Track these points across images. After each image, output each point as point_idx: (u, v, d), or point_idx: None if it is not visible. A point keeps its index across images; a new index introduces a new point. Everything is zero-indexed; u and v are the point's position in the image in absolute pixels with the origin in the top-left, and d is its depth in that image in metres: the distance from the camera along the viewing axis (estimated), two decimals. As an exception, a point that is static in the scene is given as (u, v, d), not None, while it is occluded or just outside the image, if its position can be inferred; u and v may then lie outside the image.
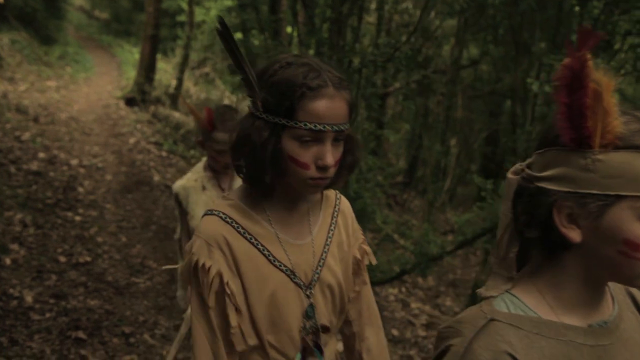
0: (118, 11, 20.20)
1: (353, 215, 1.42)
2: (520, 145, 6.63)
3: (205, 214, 1.23)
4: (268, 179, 1.17)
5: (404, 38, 6.50)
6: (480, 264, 8.12)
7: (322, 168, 1.14)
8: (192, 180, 2.39)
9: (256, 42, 9.32)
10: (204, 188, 2.37)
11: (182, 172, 7.69)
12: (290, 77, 1.12)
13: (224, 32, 1.12)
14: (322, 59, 4.59)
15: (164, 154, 8.20)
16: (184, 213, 2.39)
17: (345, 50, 4.88)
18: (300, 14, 6.50)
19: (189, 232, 2.40)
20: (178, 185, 2.41)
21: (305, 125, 1.10)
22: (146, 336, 3.71)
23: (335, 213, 1.36)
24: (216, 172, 2.39)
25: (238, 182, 2.27)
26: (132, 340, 3.61)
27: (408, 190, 13.92)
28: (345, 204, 1.41)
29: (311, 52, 6.19)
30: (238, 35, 12.86)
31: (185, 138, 9.57)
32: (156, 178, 6.96)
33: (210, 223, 1.21)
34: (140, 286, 4.34)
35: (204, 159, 2.47)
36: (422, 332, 6.05)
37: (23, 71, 10.63)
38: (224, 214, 1.21)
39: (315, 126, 1.11)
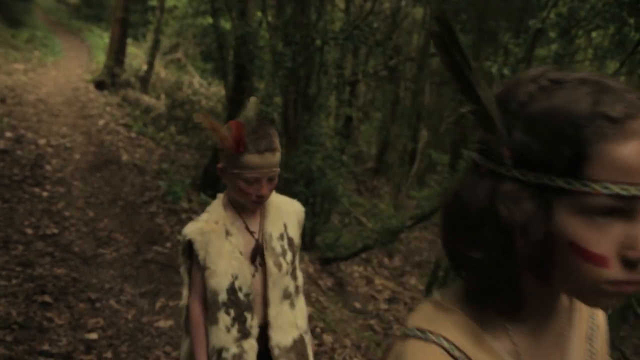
0: (88, -4, 20.00)
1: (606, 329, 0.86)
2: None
3: (414, 336, 0.70)
4: (528, 285, 0.70)
5: (375, 23, 6.70)
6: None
7: (634, 264, 0.63)
8: (212, 223, 1.77)
9: (227, 26, 9.40)
10: (227, 233, 1.76)
11: (151, 153, 7.78)
12: (568, 104, 0.63)
13: (442, 33, 0.66)
14: (288, 39, 4.73)
15: (133, 135, 8.26)
16: (198, 268, 1.76)
17: (308, 29, 5.03)
18: (267, -4, 6.64)
19: (202, 296, 1.77)
20: (193, 229, 1.76)
21: (608, 188, 0.61)
22: (112, 302, 3.83)
23: (592, 332, 0.82)
24: (242, 210, 1.80)
25: (271, 222, 1.82)
26: (97, 305, 3.73)
27: (378, 176, 14.18)
28: (601, 318, 0.85)
29: (278, 34, 6.34)
30: (208, 20, 12.91)
31: (155, 121, 9.63)
32: (125, 157, 7.03)
33: (427, 358, 0.68)
34: (107, 257, 4.45)
35: (220, 195, 1.86)
36: (384, 306, 6.27)
37: (-11, 53, 10.55)
38: (447, 340, 0.69)
39: (626, 190, 0.61)
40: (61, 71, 11.85)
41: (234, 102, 6.66)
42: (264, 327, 1.80)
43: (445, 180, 5.38)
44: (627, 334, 9.68)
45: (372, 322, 5.34)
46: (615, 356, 8.18)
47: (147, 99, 10.52)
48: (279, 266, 1.78)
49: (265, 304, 1.79)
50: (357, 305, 5.69)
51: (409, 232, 10.93)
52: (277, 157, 1.71)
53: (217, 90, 12.01)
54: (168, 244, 4.90)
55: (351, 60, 10.60)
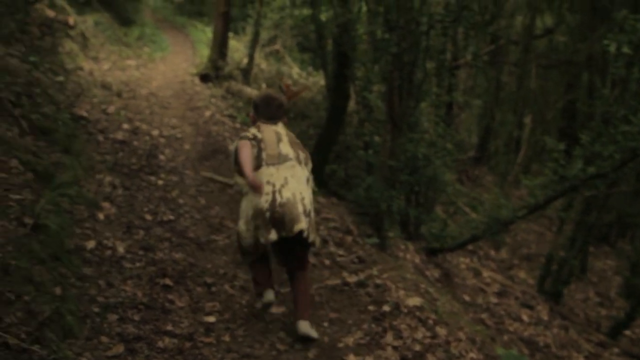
0: (191, -7, 20.80)
1: None
2: (598, 110, 6.43)
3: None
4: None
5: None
6: (554, 239, 7.96)
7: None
8: None
9: (324, 17, 9.40)
10: None
11: (255, 143, 7.94)
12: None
13: None
14: (391, 24, 4.62)
15: (237, 125, 8.48)
16: None
17: (413, 12, 4.90)
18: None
19: None
20: None
21: None
22: (227, 287, 3.94)
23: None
24: None
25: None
26: (214, 289, 3.85)
27: (480, 166, 13.73)
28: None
29: (379, 20, 6.23)
30: (304, 11, 13.00)
31: (257, 112, 9.82)
32: (231, 147, 7.21)
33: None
34: (220, 243, 4.59)
35: None
36: (494, 299, 6.06)
37: (106, 51, 11.20)
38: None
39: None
40: (169, 66, 12.40)
41: (336, 91, 6.64)
42: None
43: (560, 168, 5.07)
44: None
45: (483, 315, 5.16)
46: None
47: (249, 91, 10.75)
48: None
49: None
50: (466, 297, 5.53)
51: (515, 224, 10.47)
52: None
53: (316, 80, 12.08)
54: (277, 232, 4.97)
55: (450, 45, 10.26)
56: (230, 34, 13.24)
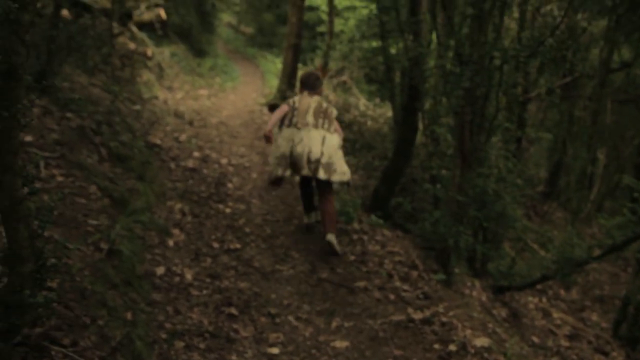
0: (262, 25, 21.43)
1: None
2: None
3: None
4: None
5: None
6: (631, 281, 7.54)
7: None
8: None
9: (393, 50, 9.44)
10: None
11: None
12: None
13: None
14: (462, 58, 4.58)
15: (304, 155, 8.57)
16: None
17: (487, 47, 4.84)
18: (439, 15, 6.55)
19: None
20: None
21: None
22: (290, 318, 3.94)
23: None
24: None
25: None
26: (277, 320, 3.86)
27: (549, 201, 13.26)
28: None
29: (450, 53, 6.20)
30: (374, 43, 13.11)
31: (323, 142, 9.90)
32: (297, 178, 7.29)
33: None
34: (284, 273, 4.61)
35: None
36: (564, 342, 5.78)
37: (180, 81, 11.65)
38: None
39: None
40: (239, 95, 12.75)
41: (405, 123, 6.62)
42: None
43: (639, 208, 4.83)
44: None
45: (554, 359, 4.93)
46: None
47: (315, 121, 10.88)
48: None
49: None
50: (535, 339, 5.29)
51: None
52: None
53: (383, 111, 12.09)
54: (342, 264, 4.95)
55: (522, 79, 10.06)
56: (299, 65, 13.50)
